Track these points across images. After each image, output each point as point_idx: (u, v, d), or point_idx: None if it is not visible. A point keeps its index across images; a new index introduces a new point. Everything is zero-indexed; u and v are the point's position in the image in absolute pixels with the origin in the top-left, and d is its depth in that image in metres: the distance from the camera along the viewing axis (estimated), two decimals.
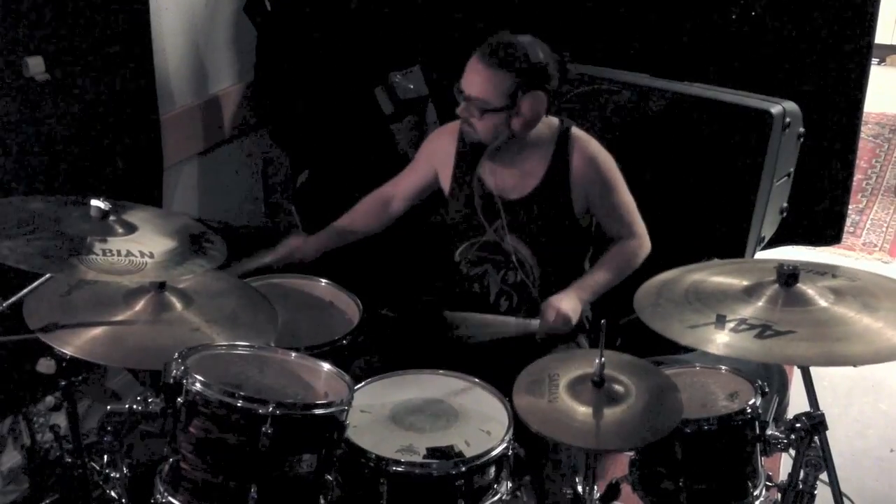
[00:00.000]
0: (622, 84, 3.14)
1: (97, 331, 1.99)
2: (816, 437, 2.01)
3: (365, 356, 2.42)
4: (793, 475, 2.06)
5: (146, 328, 2.04)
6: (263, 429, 1.78)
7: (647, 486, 2.13)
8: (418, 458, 1.94)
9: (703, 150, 3.04)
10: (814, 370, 2.05)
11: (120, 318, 2.04)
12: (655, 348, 2.17)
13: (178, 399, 1.82)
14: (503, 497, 2.00)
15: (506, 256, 2.57)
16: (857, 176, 5.22)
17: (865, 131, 5.76)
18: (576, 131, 2.55)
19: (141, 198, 2.36)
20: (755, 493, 2.08)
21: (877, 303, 1.96)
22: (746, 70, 3.30)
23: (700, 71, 3.24)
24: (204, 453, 1.82)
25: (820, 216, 3.54)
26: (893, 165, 5.66)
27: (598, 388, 1.97)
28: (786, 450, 2.08)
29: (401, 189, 2.75)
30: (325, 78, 3.36)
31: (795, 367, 2.23)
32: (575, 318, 2.42)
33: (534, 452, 2.12)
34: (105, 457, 2.02)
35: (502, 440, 2.00)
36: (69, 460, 2.18)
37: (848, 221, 3.87)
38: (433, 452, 1.94)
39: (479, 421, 2.08)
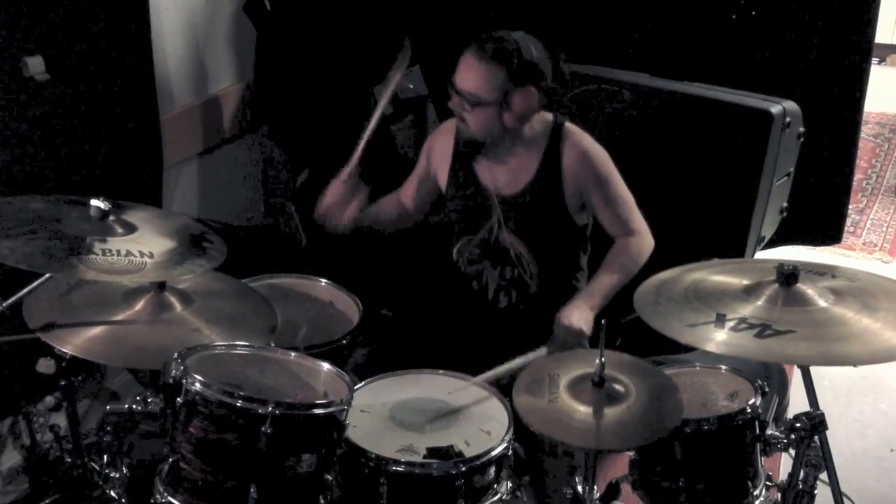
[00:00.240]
0: (622, 84, 3.14)
1: (97, 330, 1.99)
2: (816, 437, 2.01)
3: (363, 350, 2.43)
4: (793, 475, 2.06)
5: (146, 328, 2.04)
6: (263, 429, 1.78)
7: (647, 486, 2.12)
8: (418, 458, 1.94)
9: (703, 150, 3.04)
10: (814, 370, 2.05)
11: (120, 317, 2.04)
12: (655, 348, 2.18)
13: (178, 399, 1.82)
14: (503, 497, 2.00)
15: (503, 252, 2.57)
16: (857, 176, 5.21)
17: (865, 131, 5.75)
18: (569, 126, 2.55)
19: (141, 198, 2.35)
20: (755, 493, 2.08)
21: (876, 303, 1.97)
22: (746, 70, 3.30)
23: (700, 71, 3.24)
24: (203, 453, 1.82)
25: (820, 216, 3.53)
26: (893, 165, 5.65)
27: (599, 388, 1.97)
28: (786, 450, 2.08)
29: (408, 191, 2.76)
30: (325, 77, 3.36)
31: (795, 367, 2.24)
32: (588, 330, 2.37)
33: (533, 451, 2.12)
34: (105, 457, 2.02)
35: (502, 440, 1.99)
36: (69, 460, 2.18)
37: (848, 221, 3.87)
38: (433, 452, 1.94)
39: (479, 421, 2.08)
